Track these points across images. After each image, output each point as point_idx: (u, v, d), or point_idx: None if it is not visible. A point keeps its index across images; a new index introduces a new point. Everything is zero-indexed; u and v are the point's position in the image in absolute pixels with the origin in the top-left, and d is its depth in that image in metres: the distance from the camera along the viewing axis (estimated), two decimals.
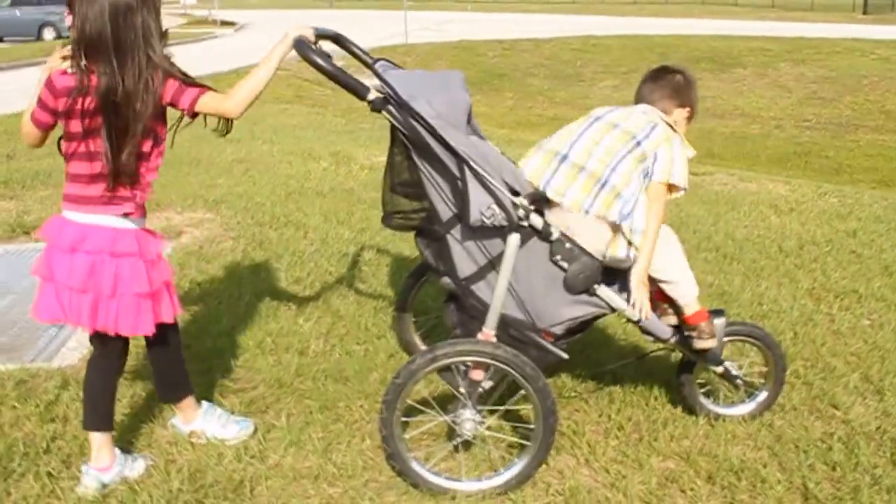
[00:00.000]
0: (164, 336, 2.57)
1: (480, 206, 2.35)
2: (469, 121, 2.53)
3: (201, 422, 2.80)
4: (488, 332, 2.48)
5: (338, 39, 2.71)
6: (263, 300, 3.95)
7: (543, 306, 2.52)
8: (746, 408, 3.00)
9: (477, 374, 2.48)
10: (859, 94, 18.60)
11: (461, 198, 2.37)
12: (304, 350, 3.45)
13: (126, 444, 2.73)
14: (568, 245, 2.46)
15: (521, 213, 2.39)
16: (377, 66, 2.60)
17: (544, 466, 2.59)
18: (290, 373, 3.24)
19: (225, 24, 33.50)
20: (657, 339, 2.72)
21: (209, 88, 2.35)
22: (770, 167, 11.47)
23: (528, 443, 2.54)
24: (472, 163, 2.34)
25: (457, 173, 2.36)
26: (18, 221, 5.26)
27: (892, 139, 15.32)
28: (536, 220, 2.42)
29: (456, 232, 2.46)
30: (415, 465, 2.52)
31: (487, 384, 2.51)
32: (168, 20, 10.48)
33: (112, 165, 2.26)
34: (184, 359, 2.77)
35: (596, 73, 21.83)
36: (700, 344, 2.73)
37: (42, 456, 2.66)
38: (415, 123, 2.34)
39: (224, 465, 2.64)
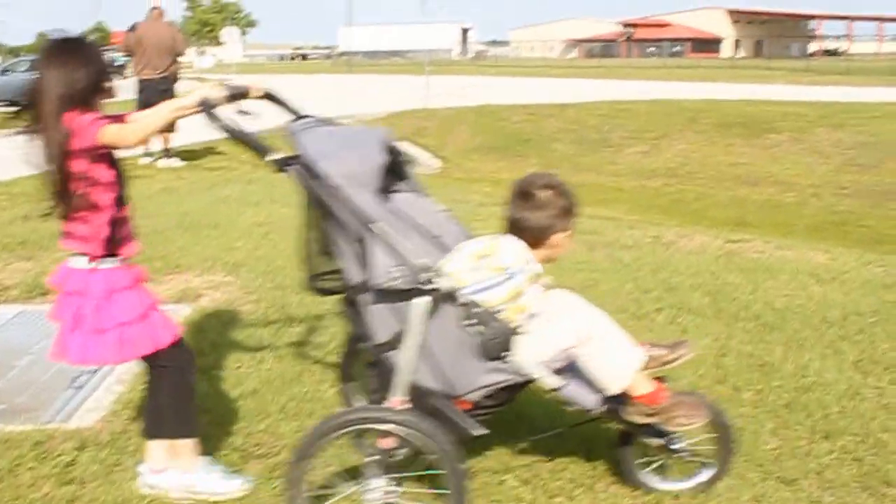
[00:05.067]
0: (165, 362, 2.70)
1: (383, 269, 2.32)
2: (405, 177, 2.62)
3: (202, 474, 2.75)
4: (397, 399, 2.41)
5: (269, 96, 2.75)
6: (285, 364, 3.87)
7: (458, 373, 2.44)
8: (691, 482, 2.83)
9: (387, 442, 2.41)
10: None
11: (365, 260, 2.34)
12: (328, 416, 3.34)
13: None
14: (478, 309, 2.37)
15: (426, 275, 2.32)
16: (299, 123, 2.62)
17: None
18: None
19: None
20: (582, 408, 2.57)
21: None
22: (807, 236, 11.23)
23: None
24: (375, 224, 2.31)
25: (360, 234, 2.34)
26: (36, 282, 5.26)
27: None
28: (444, 283, 2.34)
29: (367, 296, 2.41)
30: None
31: (401, 452, 2.45)
32: (184, 84, 10.62)
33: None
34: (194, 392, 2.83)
35: (623, 138, 21.76)
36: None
37: None
38: (318, 184, 2.33)
39: None
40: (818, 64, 50.49)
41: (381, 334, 2.45)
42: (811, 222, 13.76)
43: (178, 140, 10.95)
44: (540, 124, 23.21)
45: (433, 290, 2.34)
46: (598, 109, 24.80)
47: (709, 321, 4.68)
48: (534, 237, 2.56)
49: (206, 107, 2.38)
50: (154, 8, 10.94)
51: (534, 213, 2.56)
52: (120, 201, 2.62)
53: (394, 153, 2.63)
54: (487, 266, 2.48)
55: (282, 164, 2.38)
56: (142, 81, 10.56)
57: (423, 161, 19.42)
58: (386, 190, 2.61)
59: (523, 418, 3.23)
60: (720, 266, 6.16)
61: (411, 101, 23.95)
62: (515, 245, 2.55)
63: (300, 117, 2.73)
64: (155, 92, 10.09)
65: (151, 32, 10.61)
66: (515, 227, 2.59)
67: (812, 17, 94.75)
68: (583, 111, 24.62)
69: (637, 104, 25.30)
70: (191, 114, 2.45)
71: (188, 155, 11.63)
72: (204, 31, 55.77)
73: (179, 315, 4.65)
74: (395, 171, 2.69)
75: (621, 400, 2.55)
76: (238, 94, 2.54)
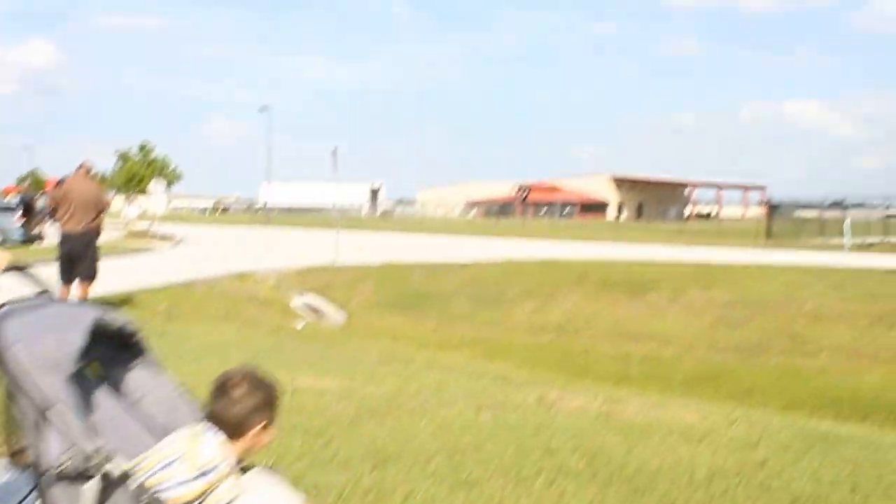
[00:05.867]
0: None
1: (54, 453, 2.37)
2: (139, 354, 2.68)
3: None
4: None
5: (17, 269, 2.87)
6: None
7: None
8: None
9: None
10: (766, 317, 19.47)
11: (43, 442, 2.40)
12: None
13: None
14: (149, 493, 2.43)
15: (97, 460, 2.38)
16: (14, 303, 2.66)
17: None
18: None
19: (164, 238, 35.31)
20: None
21: None
22: (683, 389, 11.79)
23: None
24: (52, 408, 2.38)
25: (37, 418, 2.40)
26: None
27: (798, 361, 16.00)
28: (114, 468, 2.40)
29: (47, 478, 2.43)
30: None
31: None
32: (111, 233, 10.65)
33: None
34: None
35: (517, 295, 22.52)
36: None
37: None
38: (7, 366, 2.41)
39: None
40: (692, 226, 53.89)
41: None
42: (687, 375, 14.42)
43: (98, 289, 11.38)
44: (440, 281, 23.85)
45: (104, 475, 2.38)
46: (494, 268, 25.70)
47: (585, 485, 4.82)
48: (231, 431, 2.60)
49: None
50: (81, 165, 11.53)
51: (229, 409, 2.61)
52: None
53: (124, 330, 2.71)
54: (186, 459, 2.49)
55: None
56: (65, 234, 11.15)
57: (330, 315, 19.76)
58: (116, 367, 2.69)
59: None
60: (599, 426, 6.39)
61: (324, 254, 24.65)
62: (215, 440, 2.57)
63: (24, 296, 2.74)
64: (78, 244, 10.94)
65: (77, 188, 11.22)
66: (214, 421, 2.63)
67: (686, 184, 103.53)
68: (480, 269, 25.46)
69: (530, 263, 26.33)
70: None
71: (105, 304, 11.55)
72: (132, 182, 55.96)
73: None
74: (128, 349, 2.75)
75: None
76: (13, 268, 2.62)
